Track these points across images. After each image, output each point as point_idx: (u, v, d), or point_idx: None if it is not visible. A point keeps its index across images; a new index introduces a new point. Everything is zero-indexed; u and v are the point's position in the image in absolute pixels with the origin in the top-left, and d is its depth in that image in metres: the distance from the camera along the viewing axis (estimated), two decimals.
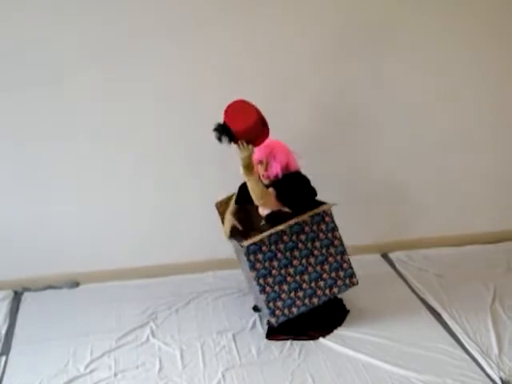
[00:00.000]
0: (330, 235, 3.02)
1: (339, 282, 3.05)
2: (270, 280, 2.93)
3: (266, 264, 2.93)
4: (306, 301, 2.99)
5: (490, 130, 4.00)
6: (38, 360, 2.96)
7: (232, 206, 3.16)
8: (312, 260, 2.99)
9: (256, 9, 3.44)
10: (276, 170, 2.91)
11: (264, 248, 2.92)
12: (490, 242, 4.12)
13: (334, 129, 3.65)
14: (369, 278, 3.69)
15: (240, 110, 2.77)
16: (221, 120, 2.80)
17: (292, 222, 2.93)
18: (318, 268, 3.00)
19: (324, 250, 3.01)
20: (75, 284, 3.70)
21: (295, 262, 2.97)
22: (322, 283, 3.00)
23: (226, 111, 2.78)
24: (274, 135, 2.92)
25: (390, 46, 3.65)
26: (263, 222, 3.00)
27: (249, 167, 2.80)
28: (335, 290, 3.04)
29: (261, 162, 2.95)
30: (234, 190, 3.22)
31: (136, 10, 3.34)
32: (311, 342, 3.05)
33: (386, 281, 3.67)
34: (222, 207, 3.22)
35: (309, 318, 3.09)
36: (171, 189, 3.67)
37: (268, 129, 2.86)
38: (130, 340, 3.11)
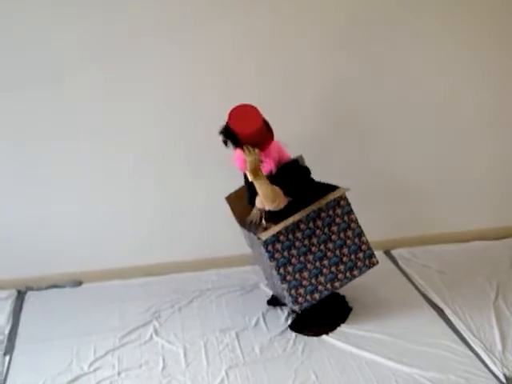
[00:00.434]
0: (346, 218, 3.02)
1: (359, 264, 3.05)
2: (290, 268, 2.93)
3: (285, 253, 2.92)
4: (328, 285, 2.99)
5: (491, 128, 3.99)
6: (41, 359, 2.96)
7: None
8: (330, 245, 2.99)
9: (256, 9, 3.43)
10: (270, 166, 2.89)
11: (282, 238, 2.91)
12: (492, 238, 4.11)
13: (334, 128, 3.65)
14: (372, 275, 3.66)
15: (244, 114, 2.75)
16: (223, 122, 2.79)
17: (308, 209, 2.92)
18: (338, 252, 3.00)
19: (342, 234, 3.01)
20: (78, 283, 3.70)
21: (314, 249, 2.96)
22: (342, 267, 3.01)
23: (231, 116, 2.75)
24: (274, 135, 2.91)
25: (389, 45, 3.64)
26: (262, 218, 2.99)
27: (256, 171, 2.79)
28: (356, 271, 3.05)
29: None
30: (234, 189, 3.23)
31: (136, 10, 3.33)
32: (314, 339, 3.05)
33: (388, 278, 3.67)
34: (231, 200, 3.19)
35: (312, 315, 3.09)
36: (171, 189, 3.67)
37: (272, 133, 2.87)
38: (133, 338, 3.11)
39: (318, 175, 3.07)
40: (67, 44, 3.31)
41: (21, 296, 3.58)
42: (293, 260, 2.94)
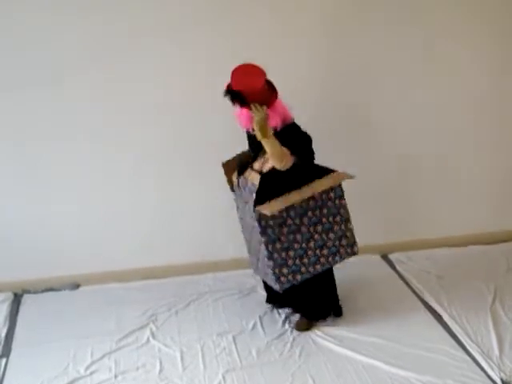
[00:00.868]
0: (337, 202, 2.99)
1: (341, 251, 3.03)
2: (279, 246, 2.90)
3: (276, 230, 2.88)
4: (310, 268, 2.97)
5: (489, 131, 4.00)
6: (38, 362, 2.95)
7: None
8: (319, 228, 2.96)
9: (255, 9, 3.43)
10: (276, 121, 2.82)
11: (276, 213, 2.86)
12: (490, 242, 4.12)
13: (332, 129, 3.64)
14: (369, 279, 3.70)
15: (247, 73, 2.71)
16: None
17: (309, 193, 2.88)
18: (324, 236, 2.97)
19: (331, 218, 2.98)
20: (75, 286, 3.69)
21: (303, 229, 2.93)
22: (325, 251, 2.98)
23: (233, 76, 2.72)
24: None
25: (389, 43, 3.65)
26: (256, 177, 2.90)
27: (264, 130, 2.71)
28: (337, 258, 3.02)
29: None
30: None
31: (136, 10, 3.33)
32: (311, 343, 3.05)
33: (386, 282, 3.67)
34: (228, 166, 3.12)
35: (301, 301, 3.13)
36: (171, 189, 3.66)
37: (276, 91, 2.83)
38: (130, 342, 3.11)
39: None
40: (67, 44, 3.31)
41: (17, 299, 3.57)
42: (282, 238, 2.90)
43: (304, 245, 2.94)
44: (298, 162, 2.83)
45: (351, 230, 3.06)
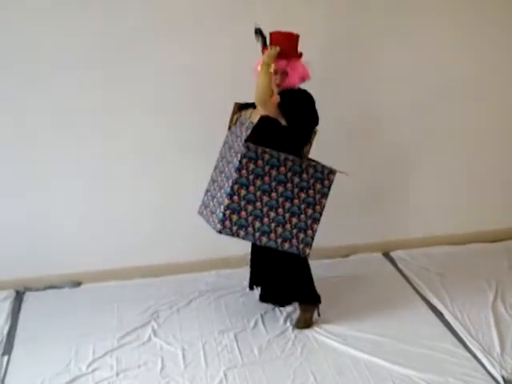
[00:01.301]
0: (317, 197, 2.94)
1: (293, 242, 2.94)
2: (243, 193, 2.83)
3: (251, 177, 2.83)
4: (257, 234, 2.89)
5: (491, 130, 4.01)
6: (40, 359, 2.96)
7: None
8: (288, 205, 2.90)
9: (255, 8, 3.43)
10: (294, 79, 2.87)
11: (259, 162, 2.83)
12: (491, 240, 4.13)
13: (333, 128, 3.64)
14: (370, 276, 3.71)
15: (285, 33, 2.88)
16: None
17: (305, 159, 2.88)
18: (287, 216, 2.91)
19: (303, 206, 2.92)
20: (77, 284, 3.70)
21: (273, 195, 2.88)
22: (280, 230, 2.91)
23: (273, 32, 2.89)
24: None
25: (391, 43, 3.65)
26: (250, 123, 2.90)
27: (269, 65, 2.80)
28: (286, 244, 2.93)
29: (276, 72, 2.88)
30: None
31: (136, 11, 3.34)
32: (313, 341, 3.05)
33: (387, 279, 3.67)
34: (236, 106, 3.07)
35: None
36: (172, 188, 3.67)
37: (301, 55, 2.90)
38: (131, 339, 3.11)
39: None
40: (66, 44, 3.31)
41: (19, 296, 3.58)
42: (250, 188, 2.84)
43: (265, 210, 2.88)
44: (284, 122, 2.85)
45: (314, 232, 2.96)
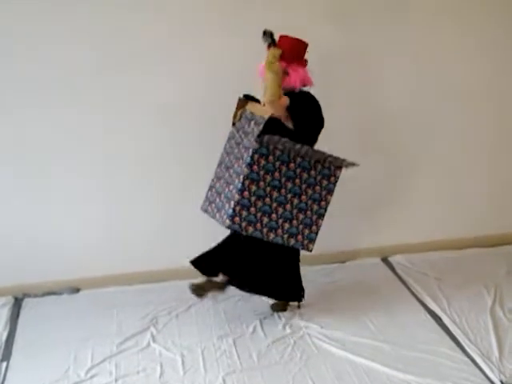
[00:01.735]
0: (323, 193, 2.97)
1: (299, 238, 2.96)
2: (254, 188, 2.84)
3: (261, 172, 2.85)
4: (264, 230, 2.90)
5: (490, 134, 4.02)
6: (38, 366, 2.95)
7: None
8: (296, 201, 2.92)
9: (256, 9, 3.45)
10: (295, 81, 2.90)
11: (270, 158, 2.84)
12: (489, 245, 4.13)
13: (335, 129, 3.65)
14: (369, 281, 3.71)
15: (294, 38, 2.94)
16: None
17: (322, 152, 2.89)
18: (295, 212, 2.93)
19: (309, 202, 2.95)
20: (75, 290, 3.69)
21: (283, 191, 2.90)
22: (287, 226, 2.93)
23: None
24: None
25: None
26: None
27: (272, 64, 2.84)
28: (292, 240, 2.96)
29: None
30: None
31: (136, 15, 3.36)
32: (312, 346, 3.05)
33: (386, 284, 3.67)
34: (241, 102, 3.07)
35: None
36: (172, 194, 3.67)
37: (306, 62, 2.94)
38: (130, 345, 3.11)
39: None
40: (67, 49, 3.33)
41: (18, 303, 3.57)
42: (261, 184, 2.85)
43: (274, 205, 2.89)
44: (291, 126, 2.89)
45: (318, 228, 3.00)
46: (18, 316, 3.44)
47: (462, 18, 3.75)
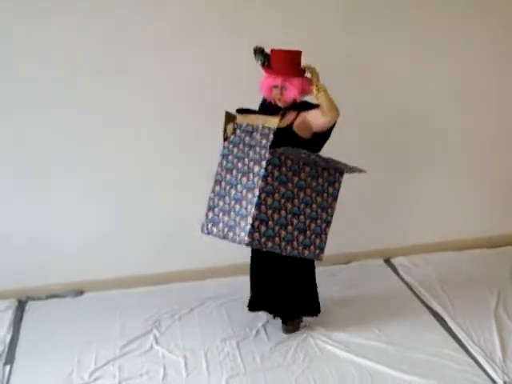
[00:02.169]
0: (330, 200, 2.96)
1: (312, 248, 2.93)
2: (270, 201, 2.80)
3: (276, 184, 2.81)
4: (283, 243, 2.85)
5: (492, 134, 4.02)
6: (42, 369, 2.96)
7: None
8: (308, 211, 2.90)
9: (256, 9, 3.45)
10: (293, 93, 2.88)
11: (283, 169, 2.81)
12: (492, 246, 4.12)
13: (338, 131, 3.66)
14: (372, 283, 3.70)
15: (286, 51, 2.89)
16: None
17: (326, 157, 2.85)
18: (308, 222, 2.90)
19: (319, 210, 2.93)
20: (79, 292, 3.70)
21: (296, 202, 2.87)
22: (301, 237, 2.89)
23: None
24: None
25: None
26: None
27: (319, 84, 2.85)
28: (306, 251, 2.92)
29: (275, 87, 2.90)
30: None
31: (135, 20, 3.36)
32: (315, 348, 3.05)
33: (388, 286, 3.67)
34: (228, 116, 3.01)
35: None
36: (173, 195, 3.67)
37: (303, 72, 2.90)
38: (133, 348, 3.11)
39: None
40: (66, 50, 3.33)
41: (21, 306, 3.57)
42: (276, 196, 2.81)
43: (289, 217, 2.86)
44: (310, 135, 2.92)
45: (326, 235, 2.98)
46: (21, 319, 3.44)
47: (462, 17, 3.74)
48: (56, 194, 3.56)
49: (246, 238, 2.77)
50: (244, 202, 2.82)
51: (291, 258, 2.94)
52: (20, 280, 3.60)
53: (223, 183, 2.94)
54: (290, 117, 2.93)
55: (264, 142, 2.79)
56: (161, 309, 3.46)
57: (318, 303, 3.21)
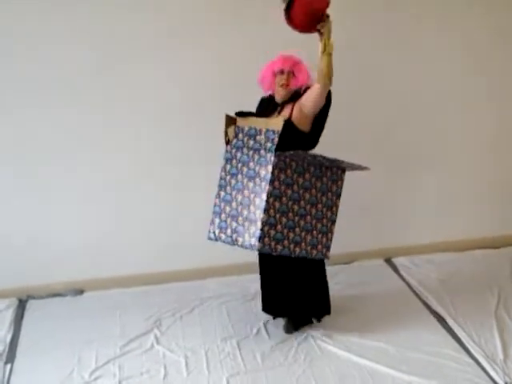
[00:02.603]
0: (334, 199, 2.97)
1: (319, 248, 2.94)
2: (278, 205, 2.78)
3: (283, 187, 2.80)
4: (291, 246, 2.85)
5: (492, 134, 4.02)
6: (42, 368, 2.96)
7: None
8: (313, 211, 2.90)
9: (256, 9, 3.45)
10: (302, 82, 2.88)
11: (288, 172, 2.80)
12: (493, 246, 4.12)
13: (338, 129, 3.65)
14: (372, 283, 3.70)
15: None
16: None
17: (331, 157, 2.83)
18: (314, 222, 2.90)
19: (324, 209, 2.94)
20: (79, 292, 3.70)
21: (302, 203, 2.86)
22: (309, 238, 2.89)
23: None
24: None
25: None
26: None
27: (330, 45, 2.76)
28: (314, 251, 2.92)
29: (281, 73, 2.89)
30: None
31: (136, 21, 3.37)
32: (316, 348, 3.04)
33: (389, 286, 3.67)
34: (229, 119, 2.97)
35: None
36: (174, 194, 3.68)
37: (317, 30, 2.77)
38: (134, 347, 3.11)
39: None
40: (66, 51, 3.34)
41: (22, 305, 3.58)
42: (283, 199, 2.80)
43: (296, 219, 2.85)
44: (309, 128, 2.91)
45: (332, 234, 2.98)
46: (22, 318, 3.44)
47: (462, 17, 3.75)
48: (56, 194, 3.56)
49: (257, 244, 2.76)
50: (252, 207, 2.80)
51: (301, 259, 2.94)
52: (21, 279, 3.60)
53: (228, 188, 2.91)
54: (287, 110, 2.92)
55: (269, 145, 2.77)
56: (161, 308, 3.46)
57: (329, 303, 3.22)
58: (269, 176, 2.75)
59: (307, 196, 2.88)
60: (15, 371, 2.95)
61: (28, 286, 3.63)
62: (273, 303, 3.17)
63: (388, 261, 4.00)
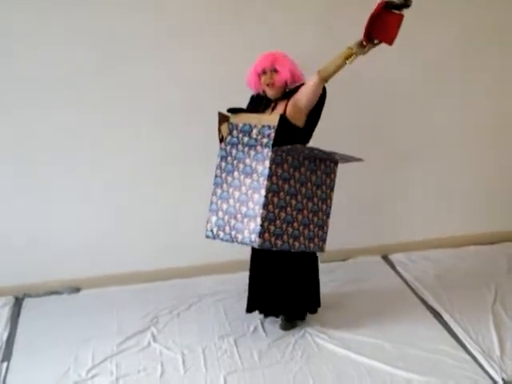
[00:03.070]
0: (328, 192, 2.96)
1: (316, 241, 2.93)
2: (276, 200, 2.77)
3: (280, 182, 2.79)
4: (291, 240, 2.84)
5: (489, 131, 4.02)
6: (39, 366, 2.96)
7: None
8: (310, 204, 2.89)
9: (256, 9, 3.44)
10: (285, 75, 2.85)
11: (285, 166, 2.79)
12: (490, 242, 4.13)
13: (338, 128, 3.65)
14: (369, 279, 3.71)
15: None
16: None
17: (327, 150, 2.80)
18: (311, 216, 2.90)
19: (320, 202, 2.93)
20: (76, 289, 3.69)
21: (299, 198, 2.85)
22: (306, 232, 2.89)
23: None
24: None
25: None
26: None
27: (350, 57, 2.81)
28: (311, 245, 2.91)
29: (264, 72, 2.88)
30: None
31: (135, 22, 3.36)
32: (313, 345, 3.05)
33: (386, 282, 3.67)
34: (222, 117, 2.96)
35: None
36: (172, 194, 3.67)
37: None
38: (131, 345, 3.11)
39: None
40: (67, 52, 3.33)
41: (18, 303, 3.57)
42: (281, 194, 2.79)
43: (294, 213, 2.84)
44: (303, 123, 2.90)
45: (327, 227, 2.98)
46: (18, 316, 3.44)
47: (461, 12, 3.74)
48: (56, 194, 3.56)
49: (258, 240, 2.74)
50: (250, 204, 2.79)
51: (295, 254, 2.94)
52: (17, 277, 3.60)
53: (225, 185, 2.89)
54: (281, 107, 2.91)
55: (265, 140, 2.76)
56: (158, 306, 3.46)
57: (319, 298, 3.21)
58: (266, 171, 2.74)
59: (303, 190, 2.87)
60: (11, 369, 2.94)
61: (24, 284, 3.63)
62: (265, 302, 3.16)
63: (385, 257, 4.00)
